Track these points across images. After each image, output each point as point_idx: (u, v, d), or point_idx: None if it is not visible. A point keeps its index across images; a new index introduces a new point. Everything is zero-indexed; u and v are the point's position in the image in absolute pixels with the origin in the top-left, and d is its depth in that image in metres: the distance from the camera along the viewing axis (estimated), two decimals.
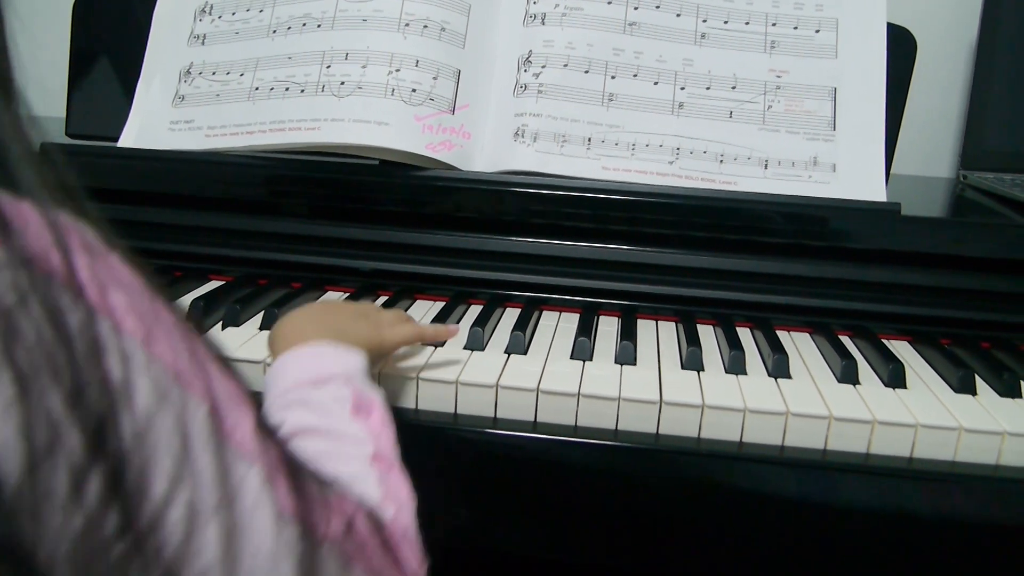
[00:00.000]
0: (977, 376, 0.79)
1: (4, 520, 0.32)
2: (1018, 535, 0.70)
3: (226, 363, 0.41)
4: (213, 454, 0.38)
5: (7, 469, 0.32)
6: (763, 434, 0.71)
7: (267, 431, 0.42)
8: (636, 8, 0.95)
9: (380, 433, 0.57)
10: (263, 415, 0.43)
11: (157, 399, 0.36)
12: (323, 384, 0.58)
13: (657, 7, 0.95)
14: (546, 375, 0.75)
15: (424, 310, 0.90)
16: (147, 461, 0.35)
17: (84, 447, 0.33)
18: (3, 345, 0.31)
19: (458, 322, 0.86)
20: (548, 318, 0.90)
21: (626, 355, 0.79)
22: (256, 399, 0.43)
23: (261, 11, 0.99)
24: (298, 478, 0.43)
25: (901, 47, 1.00)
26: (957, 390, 0.77)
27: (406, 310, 0.89)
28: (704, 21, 0.96)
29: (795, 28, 0.96)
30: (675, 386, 0.74)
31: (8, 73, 0.38)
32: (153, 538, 0.36)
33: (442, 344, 0.80)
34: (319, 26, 0.95)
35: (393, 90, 0.90)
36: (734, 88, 0.94)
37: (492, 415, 0.73)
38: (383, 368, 0.74)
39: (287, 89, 0.94)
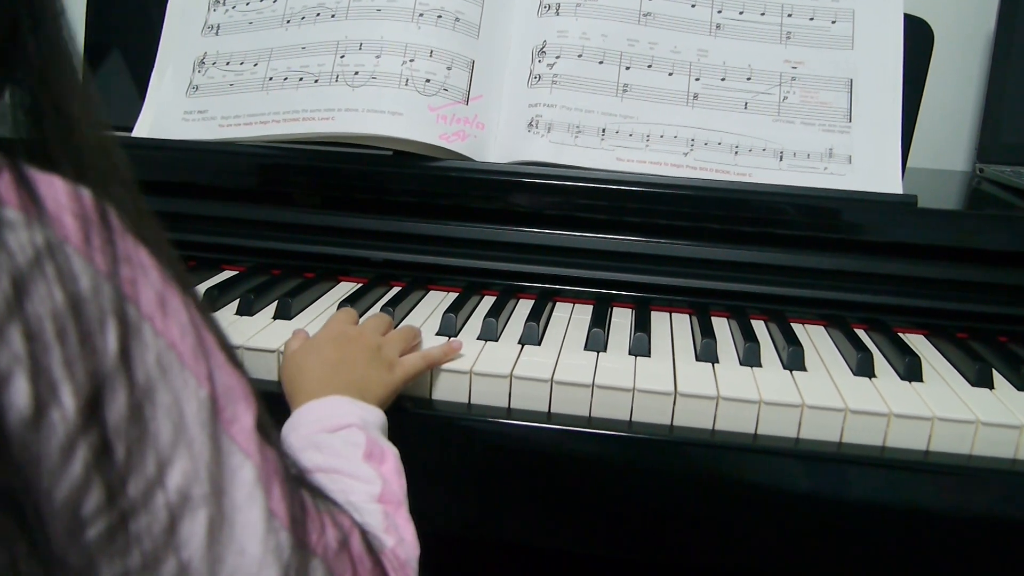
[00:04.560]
0: (994, 370, 0.78)
1: (11, 470, 0.32)
2: None
3: (234, 357, 0.41)
4: (209, 440, 0.37)
5: (14, 421, 0.32)
6: (778, 426, 0.71)
7: (267, 435, 0.41)
8: None
9: (390, 479, 0.57)
10: (265, 418, 0.42)
11: (158, 374, 0.36)
12: (337, 431, 0.59)
13: None
14: (560, 366, 0.74)
15: (437, 301, 0.90)
16: (141, 436, 0.35)
17: (78, 412, 0.33)
18: (15, 301, 0.32)
19: (471, 312, 0.86)
20: (561, 309, 0.89)
21: (640, 347, 0.79)
22: (261, 400, 0.42)
23: (275, 1, 0.98)
24: (294, 486, 0.42)
25: (918, 38, 0.99)
26: (974, 384, 0.77)
27: (419, 301, 0.89)
28: (719, 12, 0.95)
29: (811, 19, 0.95)
30: (690, 378, 0.74)
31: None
32: (137, 519, 0.35)
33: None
34: (333, 16, 0.95)
35: (407, 80, 0.90)
36: (749, 79, 0.94)
37: (506, 406, 0.73)
38: None
39: (301, 79, 0.94)
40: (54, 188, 0.35)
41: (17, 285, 0.32)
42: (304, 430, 0.59)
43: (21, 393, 0.32)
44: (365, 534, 0.48)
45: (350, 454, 0.57)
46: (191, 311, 0.39)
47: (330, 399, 0.62)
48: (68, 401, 0.33)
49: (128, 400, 0.35)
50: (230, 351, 0.41)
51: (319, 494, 0.45)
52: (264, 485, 0.40)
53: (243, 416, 0.40)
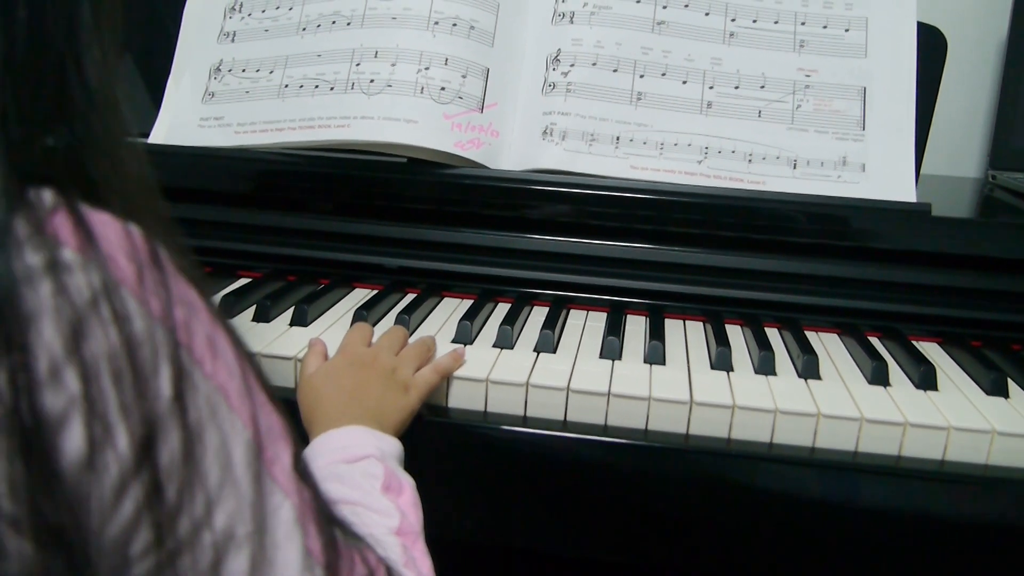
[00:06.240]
0: (1009, 378, 0.78)
1: (63, 509, 0.32)
2: None
3: (272, 395, 0.42)
4: (253, 480, 0.38)
5: (69, 461, 0.32)
6: (793, 435, 0.71)
7: (302, 473, 0.42)
8: (665, 7, 0.95)
9: (408, 512, 0.57)
10: (301, 456, 0.43)
11: (208, 416, 0.36)
12: (356, 461, 0.59)
13: (686, 6, 0.95)
14: (576, 374, 0.75)
15: (452, 308, 0.90)
16: (191, 477, 0.36)
17: (132, 453, 0.34)
18: (72, 343, 0.32)
19: (486, 320, 0.87)
20: (576, 317, 0.90)
21: (655, 355, 0.79)
22: (297, 437, 0.43)
23: (291, 9, 0.99)
24: (327, 524, 0.43)
25: (931, 46, 0.99)
26: (989, 392, 0.77)
27: (434, 308, 0.90)
28: (733, 20, 0.96)
29: (824, 27, 0.96)
30: (705, 386, 0.74)
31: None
32: (183, 558, 0.36)
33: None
34: (349, 24, 0.96)
35: (422, 88, 0.91)
36: (763, 87, 0.94)
37: (522, 414, 0.73)
38: None
39: (317, 86, 0.94)
40: (108, 228, 0.35)
41: (75, 327, 0.32)
42: (323, 460, 0.59)
43: (76, 434, 0.32)
44: (390, 570, 0.48)
45: (369, 486, 0.57)
46: (236, 350, 0.39)
47: (348, 429, 0.62)
48: (122, 443, 0.33)
49: (180, 442, 0.35)
50: (269, 388, 0.41)
51: (347, 530, 0.46)
52: (301, 524, 0.40)
53: (283, 455, 0.40)
